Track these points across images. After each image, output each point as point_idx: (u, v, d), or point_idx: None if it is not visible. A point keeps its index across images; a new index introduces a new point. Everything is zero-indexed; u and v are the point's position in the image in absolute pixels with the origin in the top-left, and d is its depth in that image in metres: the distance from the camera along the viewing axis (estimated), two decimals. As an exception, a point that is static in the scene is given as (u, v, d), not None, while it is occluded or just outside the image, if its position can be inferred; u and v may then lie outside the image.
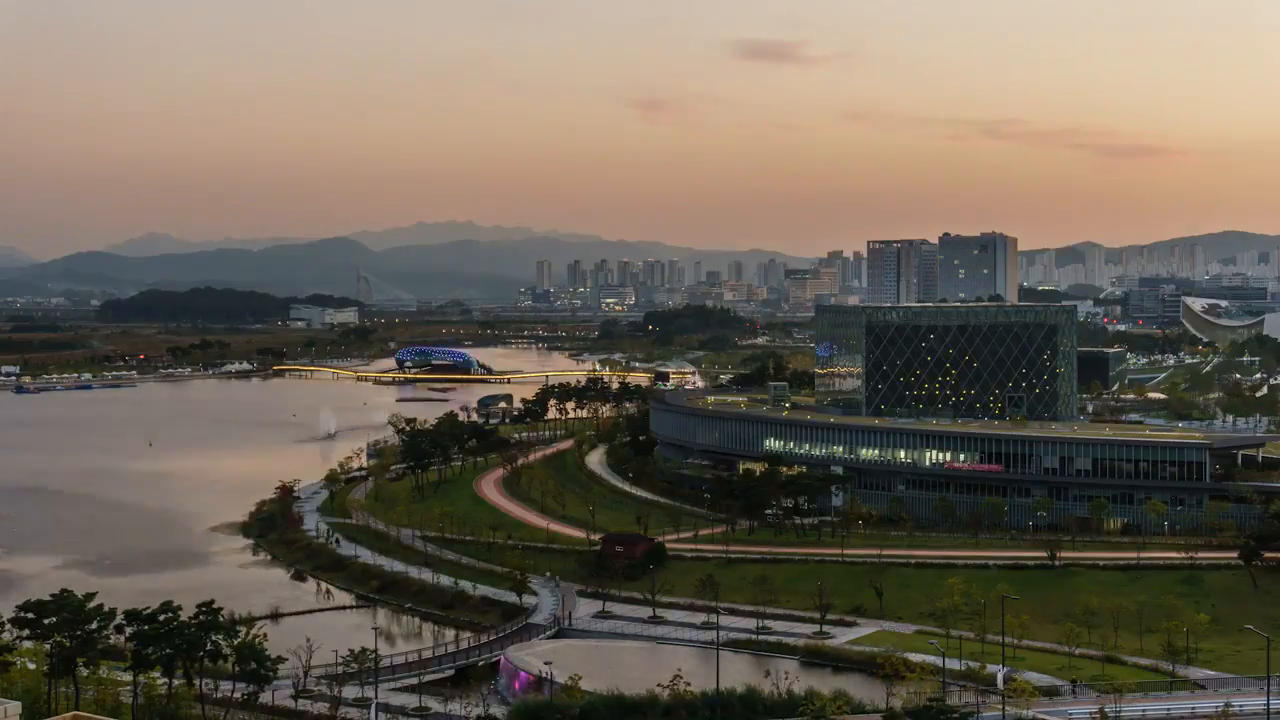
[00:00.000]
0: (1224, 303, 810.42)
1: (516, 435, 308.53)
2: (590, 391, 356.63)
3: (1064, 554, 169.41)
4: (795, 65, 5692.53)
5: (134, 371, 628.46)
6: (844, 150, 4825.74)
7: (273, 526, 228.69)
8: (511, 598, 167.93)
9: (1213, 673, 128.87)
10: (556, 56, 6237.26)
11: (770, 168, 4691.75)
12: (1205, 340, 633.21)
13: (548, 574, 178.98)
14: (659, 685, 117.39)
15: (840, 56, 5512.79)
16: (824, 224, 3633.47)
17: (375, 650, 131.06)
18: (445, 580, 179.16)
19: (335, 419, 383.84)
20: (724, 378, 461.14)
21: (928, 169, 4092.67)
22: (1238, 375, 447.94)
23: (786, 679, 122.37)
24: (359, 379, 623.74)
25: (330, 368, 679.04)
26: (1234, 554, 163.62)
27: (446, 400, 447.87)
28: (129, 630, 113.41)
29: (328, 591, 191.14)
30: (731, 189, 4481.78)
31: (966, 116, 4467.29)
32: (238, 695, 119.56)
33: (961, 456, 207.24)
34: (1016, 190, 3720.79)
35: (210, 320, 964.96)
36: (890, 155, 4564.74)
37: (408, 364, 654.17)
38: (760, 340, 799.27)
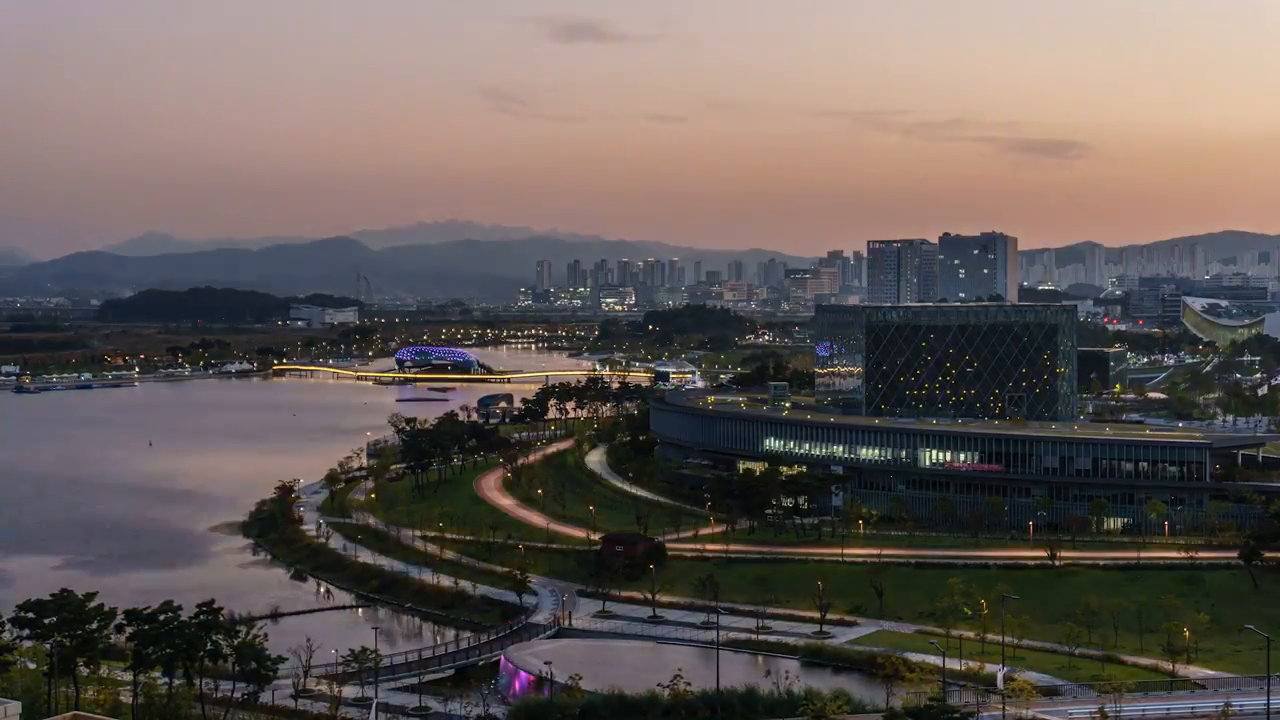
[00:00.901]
0: (1224, 303, 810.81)
1: (516, 435, 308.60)
2: (590, 391, 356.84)
3: (1064, 554, 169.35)
4: (613, 46, 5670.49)
5: (134, 371, 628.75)
6: (723, 142, 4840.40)
7: (272, 526, 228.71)
8: (511, 598, 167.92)
9: (1213, 672, 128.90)
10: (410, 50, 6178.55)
11: (653, 162, 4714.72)
12: (1205, 340, 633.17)
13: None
14: (659, 685, 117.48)
15: (657, 37, 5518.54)
16: (824, 224, 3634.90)
17: (375, 650, 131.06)
18: (445, 580, 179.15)
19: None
20: (724, 378, 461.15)
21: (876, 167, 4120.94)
22: (1238, 375, 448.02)
23: (786, 679, 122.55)
24: (359, 379, 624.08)
25: (330, 368, 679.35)
26: (1234, 554, 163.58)
27: (446, 400, 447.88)
28: (129, 630, 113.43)
29: (328, 591, 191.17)
30: (732, 188, 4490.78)
31: (841, 107, 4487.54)
32: (238, 695, 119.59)
33: (961, 456, 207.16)
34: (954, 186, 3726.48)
35: (210, 320, 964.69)
36: (787, 149, 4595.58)
37: (408, 364, 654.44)
38: (760, 340, 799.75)
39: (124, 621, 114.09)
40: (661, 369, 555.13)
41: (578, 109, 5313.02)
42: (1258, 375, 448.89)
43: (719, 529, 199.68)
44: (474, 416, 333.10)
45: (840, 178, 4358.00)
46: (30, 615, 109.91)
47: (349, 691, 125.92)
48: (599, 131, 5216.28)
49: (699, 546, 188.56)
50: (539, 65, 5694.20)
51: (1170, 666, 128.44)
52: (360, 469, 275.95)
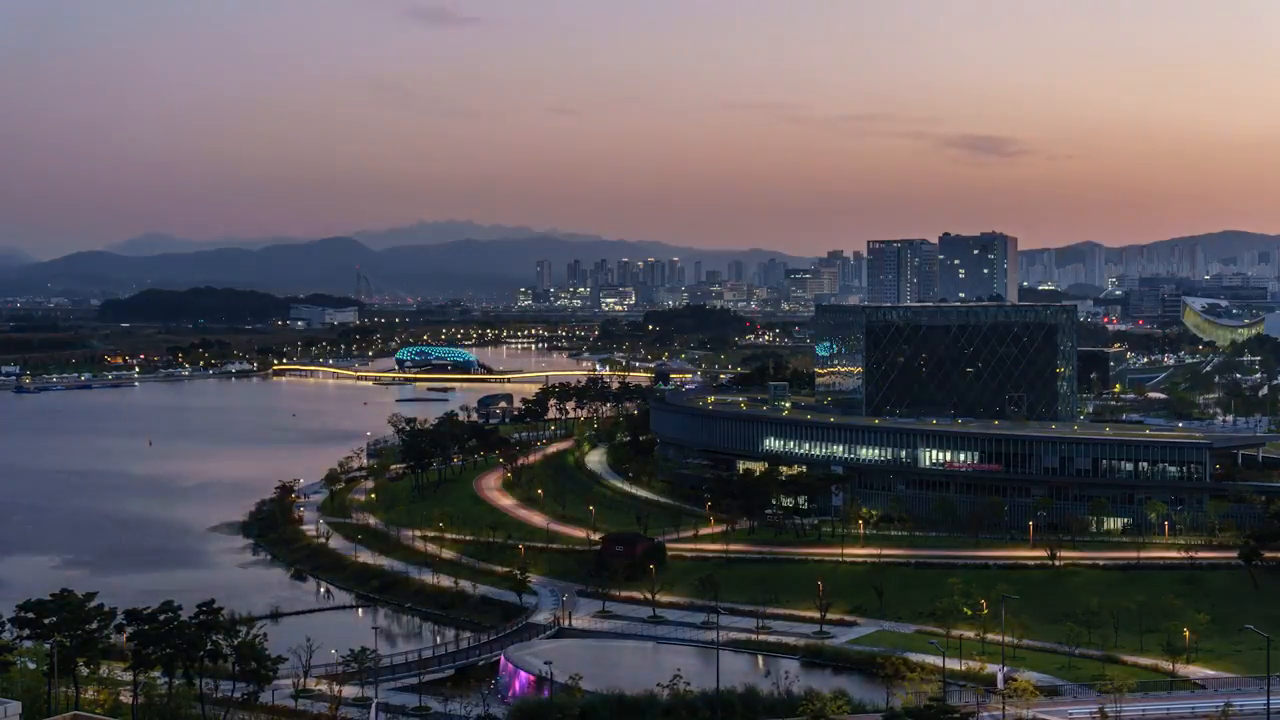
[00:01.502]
0: (1224, 302, 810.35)
1: (516, 435, 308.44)
2: (590, 391, 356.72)
3: (1064, 554, 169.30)
4: (471, 29, 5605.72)
5: (134, 371, 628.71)
6: (643, 139, 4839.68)
7: (273, 526, 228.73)
8: (512, 598, 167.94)
9: (1213, 672, 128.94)
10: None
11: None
12: (1205, 340, 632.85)
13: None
14: (659, 685, 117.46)
15: (515, 20, 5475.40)
16: (824, 224, 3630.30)
17: (375, 650, 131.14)
18: (445, 580, 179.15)
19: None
20: (724, 378, 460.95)
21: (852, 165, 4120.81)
22: (1238, 375, 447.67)
23: (786, 679, 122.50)
24: (359, 379, 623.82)
25: (330, 368, 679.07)
26: (1234, 554, 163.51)
27: (446, 400, 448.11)
28: (129, 630, 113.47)
29: (328, 591, 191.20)
30: (732, 188, 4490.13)
31: (750, 99, 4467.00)
32: (238, 695, 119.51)
33: (961, 456, 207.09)
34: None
35: (210, 320, 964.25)
36: (706, 141, 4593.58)
37: (408, 364, 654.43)
38: (760, 340, 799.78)
39: (124, 621, 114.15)
40: (662, 369, 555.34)
41: (476, 100, 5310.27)
42: (1258, 375, 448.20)
43: (719, 529, 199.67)
44: (474, 416, 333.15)
45: (840, 178, 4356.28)
46: (30, 615, 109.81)
47: (349, 691, 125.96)
48: (500, 124, 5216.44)
49: (699, 547, 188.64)
50: (409, 53, 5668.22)
51: (1170, 666, 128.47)
52: (360, 469, 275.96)
